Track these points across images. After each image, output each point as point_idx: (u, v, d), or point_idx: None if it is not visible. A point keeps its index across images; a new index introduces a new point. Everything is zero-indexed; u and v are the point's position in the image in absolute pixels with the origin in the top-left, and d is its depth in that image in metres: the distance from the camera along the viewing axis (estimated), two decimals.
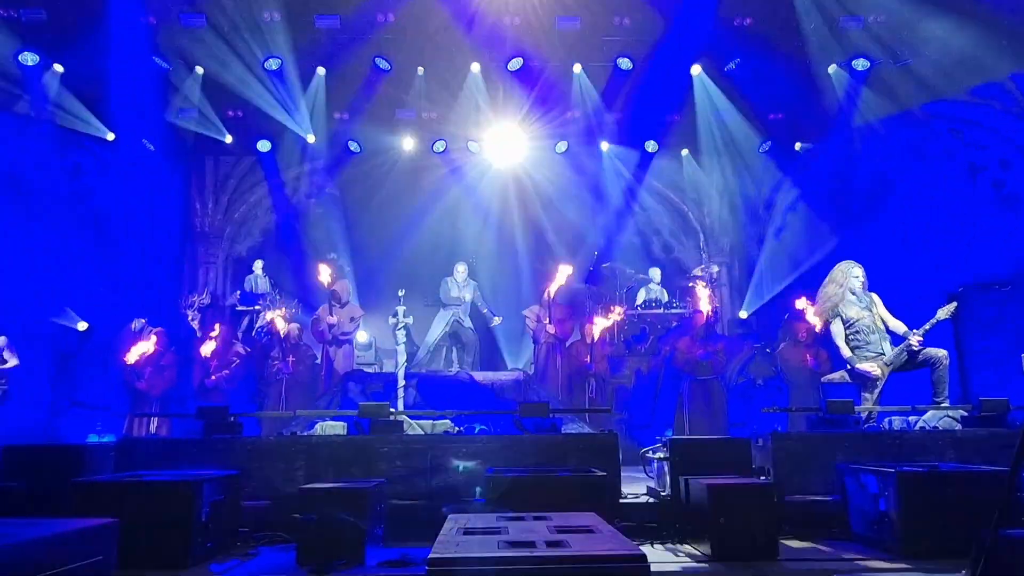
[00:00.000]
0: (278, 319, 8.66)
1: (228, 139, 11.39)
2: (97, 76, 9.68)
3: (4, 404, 6.41)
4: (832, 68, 10.75)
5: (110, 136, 10.55)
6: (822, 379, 6.62)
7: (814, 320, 6.35)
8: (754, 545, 3.74)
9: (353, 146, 11.90)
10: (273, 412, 6.93)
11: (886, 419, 5.48)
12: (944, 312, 5.59)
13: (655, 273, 10.61)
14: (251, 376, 8.88)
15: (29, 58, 9.44)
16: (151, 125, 10.76)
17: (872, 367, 5.75)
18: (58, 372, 8.85)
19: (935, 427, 5.12)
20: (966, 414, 5.19)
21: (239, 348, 8.93)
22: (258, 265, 10.62)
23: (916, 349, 5.59)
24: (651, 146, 12.15)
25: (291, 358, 8.85)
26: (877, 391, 5.73)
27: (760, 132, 11.95)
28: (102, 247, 10.75)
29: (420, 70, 10.79)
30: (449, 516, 3.14)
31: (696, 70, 11.05)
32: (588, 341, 8.99)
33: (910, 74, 10.53)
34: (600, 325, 8.78)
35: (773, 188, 12.51)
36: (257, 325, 9.62)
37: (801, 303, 6.63)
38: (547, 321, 9.20)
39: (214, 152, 12.26)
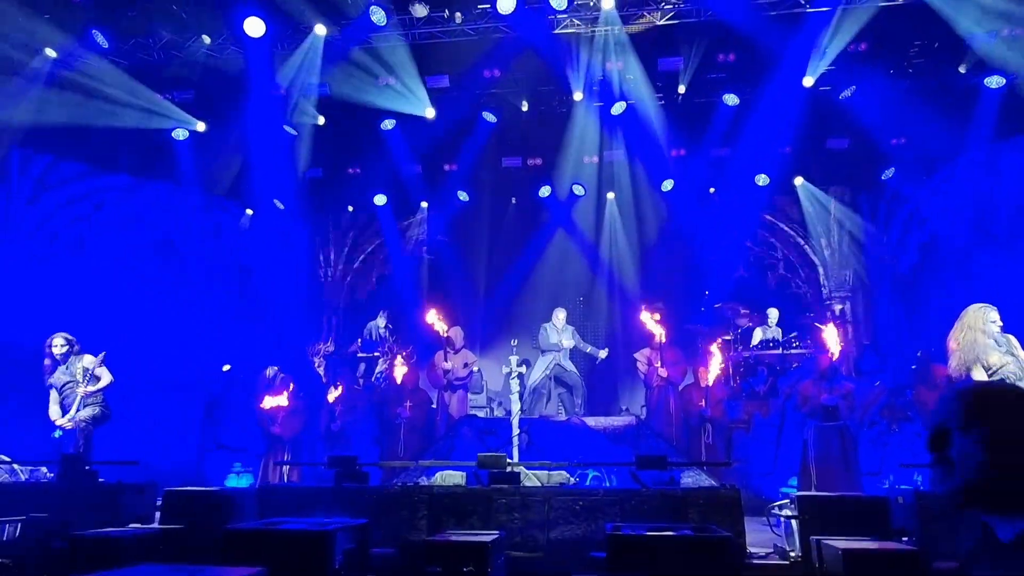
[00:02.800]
0: (398, 367, 9.05)
1: (350, 209, 12.21)
2: (236, 145, 10.71)
3: (104, 426, 6.83)
4: (962, 68, 10.05)
5: (249, 212, 11.58)
6: None
7: (951, 368, 5.87)
8: None
9: (462, 195, 12.38)
10: (397, 462, 7.21)
11: None
12: None
13: (772, 312, 10.19)
14: (372, 420, 9.29)
15: (180, 134, 10.58)
16: (282, 186, 11.72)
17: None
18: (205, 416, 9.65)
19: None
20: None
21: (360, 394, 9.38)
22: (381, 318, 11.03)
23: None
24: (762, 179, 11.81)
25: (408, 403, 9.19)
26: None
27: (883, 158, 11.33)
28: (243, 299, 11.76)
29: (524, 120, 11.11)
30: None
31: (808, 81, 10.53)
32: (702, 384, 8.74)
33: None
34: (712, 364, 8.56)
35: (901, 216, 11.77)
36: (376, 371, 10.08)
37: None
38: (659, 364, 9.04)
39: (336, 207, 13.13)
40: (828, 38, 9.34)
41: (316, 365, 10.50)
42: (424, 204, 12.22)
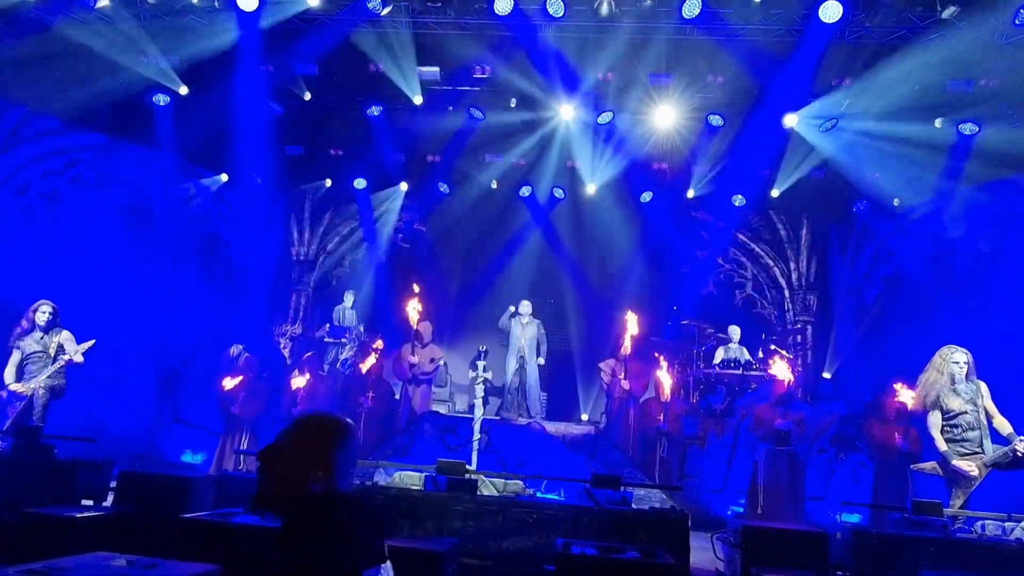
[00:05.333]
0: (369, 358, 9.07)
1: (328, 183, 12.10)
2: (219, 117, 10.53)
3: (61, 399, 6.76)
4: (939, 122, 10.36)
5: (224, 177, 11.42)
6: (912, 467, 6.33)
7: (911, 404, 6.07)
8: None
9: (443, 187, 12.37)
10: (360, 461, 7.23)
11: (978, 523, 5.19)
12: None
13: (734, 331, 10.42)
14: (334, 407, 9.29)
15: (161, 99, 10.38)
16: (261, 160, 11.57)
17: (969, 466, 5.43)
18: (164, 388, 9.54)
19: None
20: None
21: (324, 380, 9.37)
22: (348, 298, 11.15)
23: (1022, 455, 5.25)
24: (738, 200, 12.04)
25: (371, 394, 9.21)
26: (971, 490, 5.44)
27: (855, 190, 11.62)
28: (212, 271, 11.60)
29: (511, 119, 11.13)
30: None
31: (792, 120, 10.79)
32: (662, 399, 8.93)
33: (1022, 140, 10.06)
34: (663, 380, 8.74)
35: (870, 249, 12.11)
36: (342, 357, 10.07)
37: (900, 389, 6.36)
38: (622, 376, 9.20)
39: (314, 186, 13.00)
40: (814, 74, 9.52)
41: (282, 347, 10.44)
42: (404, 186, 12.13)
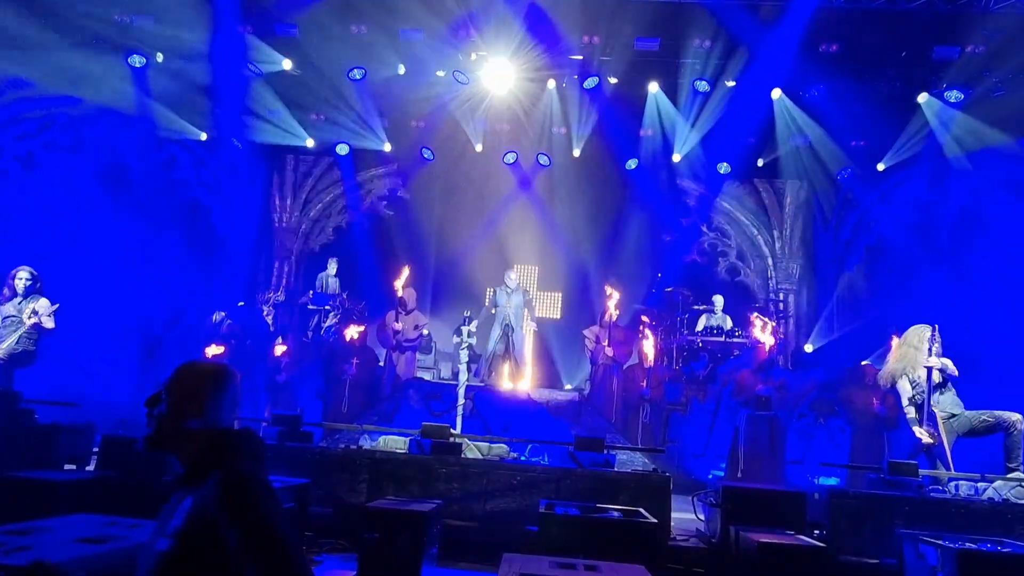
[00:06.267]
0: (352, 326, 9.04)
1: (310, 143, 11.88)
2: (196, 79, 10.29)
3: (33, 366, 6.74)
4: (923, 97, 10.40)
5: (203, 136, 11.19)
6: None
7: (880, 378, 6.23)
8: None
9: (427, 154, 12.22)
10: (342, 424, 7.24)
11: (952, 483, 5.32)
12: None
13: (718, 300, 10.49)
14: (318, 375, 9.28)
15: (137, 60, 10.10)
16: (241, 124, 11.34)
17: (922, 433, 5.65)
18: (147, 355, 9.46)
19: (1005, 498, 4.95)
20: None
21: (308, 347, 9.34)
22: (332, 265, 11.07)
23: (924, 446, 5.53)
24: (724, 168, 12.02)
25: (356, 360, 9.20)
26: (948, 453, 5.58)
27: (840, 158, 11.64)
28: (192, 237, 11.44)
29: (497, 85, 10.97)
30: (504, 556, 3.28)
31: (776, 94, 10.87)
32: (645, 365, 9.00)
33: (1007, 106, 10.10)
34: (647, 347, 8.84)
35: (852, 217, 12.17)
36: (326, 325, 10.02)
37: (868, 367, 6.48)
38: (606, 343, 9.25)
39: (295, 151, 12.79)
40: (800, 38, 9.44)
41: (265, 314, 10.36)
42: (387, 147, 11.92)
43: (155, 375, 9.21)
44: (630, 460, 6.98)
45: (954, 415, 5.70)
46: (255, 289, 11.85)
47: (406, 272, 9.29)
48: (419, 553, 4.04)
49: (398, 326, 9.24)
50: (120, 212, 10.59)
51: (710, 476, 8.06)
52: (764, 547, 3.90)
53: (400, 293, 9.22)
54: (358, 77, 10.56)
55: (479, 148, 12.13)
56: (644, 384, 8.88)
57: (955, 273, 10.33)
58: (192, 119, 11.29)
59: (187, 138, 11.65)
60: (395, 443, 5.56)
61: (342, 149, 12.06)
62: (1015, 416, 5.51)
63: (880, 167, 11.36)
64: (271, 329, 10.26)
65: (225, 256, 11.86)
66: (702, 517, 5.29)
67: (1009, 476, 5.24)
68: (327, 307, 10.18)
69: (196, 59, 9.87)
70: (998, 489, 5.10)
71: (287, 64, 10.52)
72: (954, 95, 10.26)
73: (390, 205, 13.12)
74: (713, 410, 8.92)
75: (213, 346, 8.35)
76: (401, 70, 10.37)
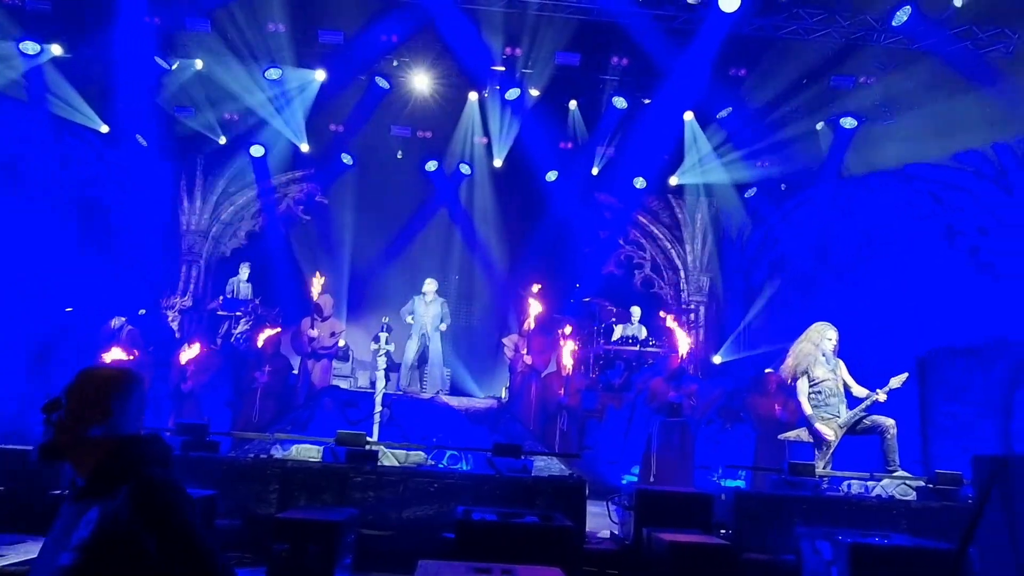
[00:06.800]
0: (264, 332, 8.72)
1: (222, 140, 11.41)
2: (97, 70, 9.70)
3: None
4: (820, 125, 11.12)
5: (104, 128, 10.56)
6: (778, 436, 6.85)
7: (783, 371, 6.57)
8: None
9: (346, 158, 12.00)
10: (252, 433, 6.95)
11: (844, 483, 5.67)
12: (895, 381, 5.90)
13: (635, 310, 10.80)
14: (227, 383, 8.89)
15: (30, 47, 9.43)
16: (147, 121, 10.77)
17: (827, 429, 6.00)
18: (36, 362, 8.78)
19: (891, 496, 5.32)
20: (923, 484, 5.40)
21: (216, 354, 8.94)
22: (244, 270, 10.65)
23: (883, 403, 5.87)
24: (639, 182, 12.40)
25: (267, 368, 8.88)
26: (830, 452, 5.97)
27: (747, 178, 12.26)
28: (90, 236, 10.73)
29: (419, 91, 10.93)
30: (420, 563, 3.23)
31: (688, 116, 11.34)
32: (563, 374, 9.13)
33: (896, 134, 10.92)
34: (565, 355, 9.00)
35: (758, 235, 12.82)
36: (237, 332, 9.63)
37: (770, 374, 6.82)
38: (525, 351, 9.33)
39: (206, 152, 12.25)
40: (712, 61, 9.89)
41: (170, 320, 9.84)
42: (305, 147, 11.55)
43: (44, 384, 8.57)
44: (547, 466, 7.05)
45: (841, 416, 6.10)
46: (160, 294, 11.23)
47: (323, 278, 9.11)
48: (331, 564, 3.93)
49: (314, 333, 9.00)
50: (8, 208, 9.80)
51: (624, 481, 8.24)
52: (673, 546, 4.02)
53: (316, 299, 8.99)
54: (275, 77, 10.25)
55: (400, 155, 12.01)
56: (562, 392, 9.01)
57: (850, 289, 11.03)
58: (93, 113, 10.62)
59: (87, 132, 10.94)
60: (308, 452, 5.39)
61: (256, 151, 11.65)
62: (889, 421, 5.97)
63: (783, 187, 12.04)
64: (176, 336, 9.75)
65: (127, 259, 11.18)
66: (616, 520, 5.40)
67: (895, 475, 5.63)
68: (238, 313, 9.79)
69: (97, 48, 9.30)
70: (885, 487, 5.48)
71: (199, 63, 10.12)
72: (849, 122, 11.02)
73: (307, 210, 12.78)
74: (628, 417, 9.14)
75: (113, 351, 7.84)
76: (320, 75, 10.17)
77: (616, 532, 5.30)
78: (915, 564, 3.94)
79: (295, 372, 9.34)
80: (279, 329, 8.86)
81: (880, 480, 5.56)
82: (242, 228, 12.88)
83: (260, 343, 8.81)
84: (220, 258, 12.56)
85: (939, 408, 8.48)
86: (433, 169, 12.17)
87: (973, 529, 3.39)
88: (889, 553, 4.02)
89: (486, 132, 11.79)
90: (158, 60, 9.97)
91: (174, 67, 10.14)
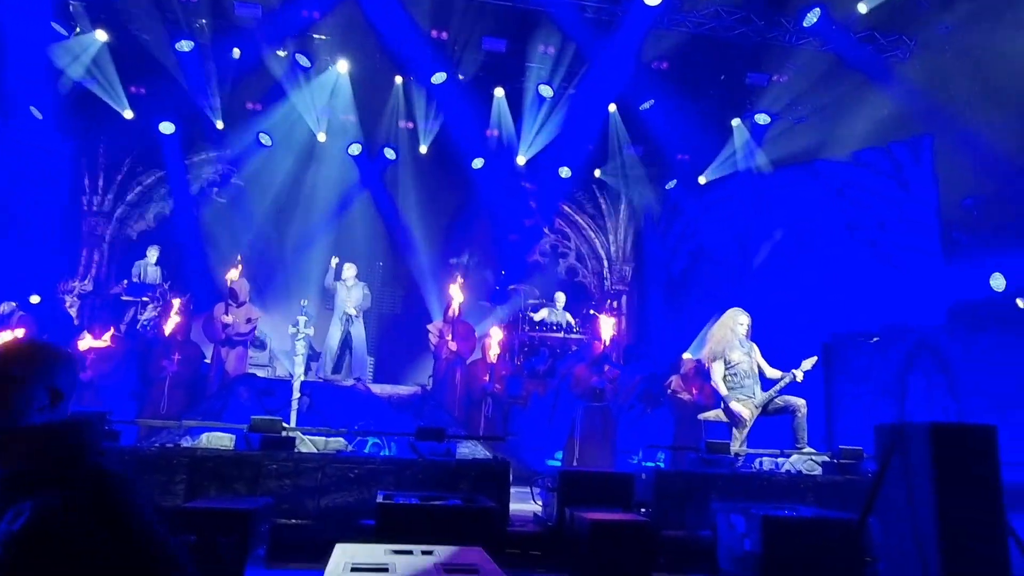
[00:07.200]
0: (172, 316, 8.25)
1: (128, 115, 10.70)
2: None
3: None
4: (736, 121, 11.51)
5: None
6: (699, 416, 7.06)
7: (702, 355, 6.78)
8: None
9: (264, 139, 11.51)
10: (158, 421, 6.57)
11: (757, 460, 5.90)
12: (807, 363, 6.18)
13: (560, 297, 10.89)
14: (132, 372, 8.38)
15: None
16: (42, 93, 9.98)
17: (743, 409, 6.22)
18: None
19: (799, 471, 5.57)
20: (827, 460, 5.68)
21: (119, 341, 8.41)
22: (152, 253, 10.04)
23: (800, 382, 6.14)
24: (564, 172, 12.49)
25: (177, 356, 8.43)
26: (746, 430, 6.20)
27: (668, 170, 12.56)
28: None
29: (342, 72, 10.60)
30: (337, 546, 3.12)
31: (612, 108, 11.52)
32: (488, 361, 9.11)
33: (804, 132, 11.44)
34: (490, 342, 9.00)
35: (678, 225, 13.17)
36: (143, 318, 9.09)
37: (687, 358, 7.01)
38: (449, 338, 9.24)
39: (109, 129, 11.46)
40: (635, 53, 10.05)
41: (67, 305, 9.17)
42: (220, 124, 10.98)
43: None
44: (471, 452, 7.01)
45: (756, 396, 6.34)
46: (58, 278, 10.46)
47: (239, 263, 8.72)
48: (243, 554, 3.76)
49: (228, 319, 8.60)
50: None
51: (547, 465, 8.31)
52: (595, 525, 4.07)
53: (231, 284, 8.59)
54: (186, 49, 9.69)
55: (322, 137, 11.63)
56: (487, 379, 8.98)
57: (763, 278, 11.50)
58: None
59: None
60: (220, 440, 5.13)
61: (166, 128, 11.01)
62: (800, 401, 6.26)
63: (702, 180, 12.41)
64: (75, 322, 9.11)
65: (18, 240, 10.34)
66: (539, 502, 5.42)
67: (803, 452, 5.90)
68: (145, 298, 9.23)
69: None
70: (794, 463, 5.73)
71: (101, 35, 9.44)
72: (763, 118, 11.46)
73: (222, 192, 12.20)
74: (552, 403, 9.22)
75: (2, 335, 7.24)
76: (236, 53, 9.68)
77: (539, 514, 5.31)
78: (821, 533, 4.13)
79: (207, 360, 8.91)
80: (185, 319, 8.39)
81: (789, 456, 5.81)
82: (150, 209, 12.18)
83: (168, 330, 8.34)
84: (126, 240, 11.84)
85: (842, 389, 8.96)
86: (357, 153, 11.85)
87: (873, 499, 3.58)
88: (797, 524, 4.19)
89: (412, 117, 11.58)
90: (55, 26, 9.24)
91: (76, 33, 9.43)
